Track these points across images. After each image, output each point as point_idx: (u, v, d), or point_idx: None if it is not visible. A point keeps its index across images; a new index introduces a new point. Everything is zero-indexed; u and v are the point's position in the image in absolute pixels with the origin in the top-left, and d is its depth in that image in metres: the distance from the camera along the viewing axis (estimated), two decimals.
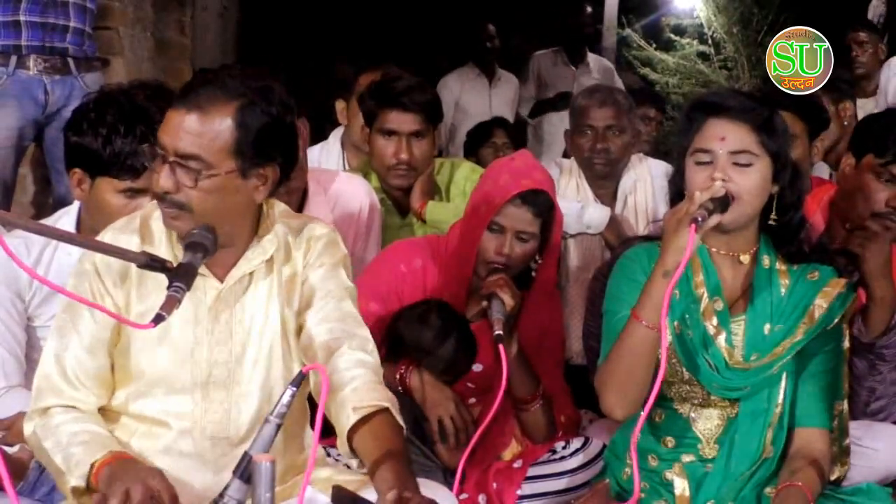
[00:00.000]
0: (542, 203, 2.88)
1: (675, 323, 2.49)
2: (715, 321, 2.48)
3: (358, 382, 2.15)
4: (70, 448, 2.10)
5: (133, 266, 2.18)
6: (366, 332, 2.27)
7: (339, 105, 4.16)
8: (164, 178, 2.10)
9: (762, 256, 2.51)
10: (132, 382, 2.23)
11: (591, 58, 7.08)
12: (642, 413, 2.33)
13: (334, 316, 2.24)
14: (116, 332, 2.22)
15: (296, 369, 2.27)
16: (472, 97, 6.67)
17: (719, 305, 2.49)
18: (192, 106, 2.10)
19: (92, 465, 2.06)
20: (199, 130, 2.09)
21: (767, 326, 2.48)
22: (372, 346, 2.26)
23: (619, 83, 7.03)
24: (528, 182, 2.87)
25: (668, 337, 2.45)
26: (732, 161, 2.40)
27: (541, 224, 2.89)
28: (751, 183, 2.41)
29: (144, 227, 2.23)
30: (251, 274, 2.24)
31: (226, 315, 2.23)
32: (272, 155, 2.17)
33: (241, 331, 2.24)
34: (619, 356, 2.42)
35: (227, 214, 2.15)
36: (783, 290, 2.50)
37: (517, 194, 2.85)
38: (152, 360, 2.21)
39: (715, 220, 2.33)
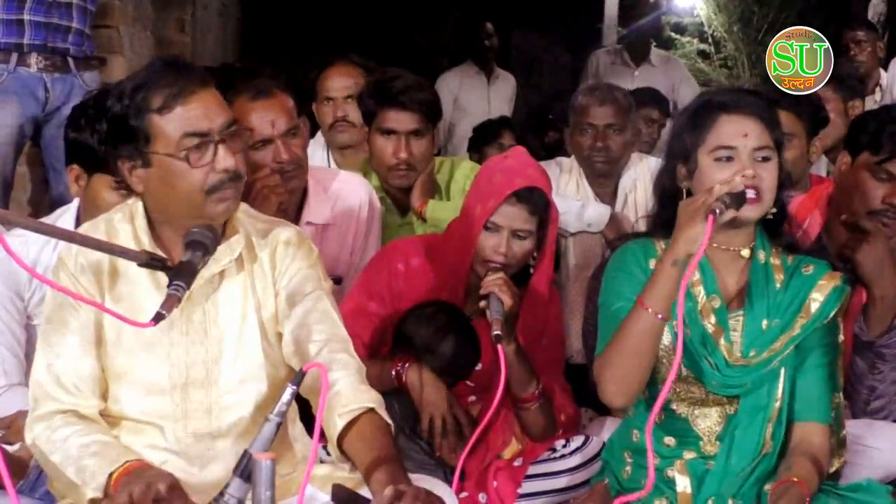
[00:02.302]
0: (537, 200, 2.88)
1: (674, 322, 2.49)
2: (713, 319, 2.49)
3: (341, 385, 2.17)
4: (82, 460, 2.10)
5: (105, 273, 2.21)
6: (345, 332, 2.29)
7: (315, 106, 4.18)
8: (230, 157, 2.16)
9: (758, 252, 2.52)
10: (111, 386, 2.24)
11: (658, 57, 6.75)
12: (654, 408, 2.33)
13: (313, 318, 2.26)
14: (98, 335, 2.22)
15: (279, 364, 2.28)
16: (470, 95, 6.64)
17: (717, 303, 2.50)
18: (204, 84, 2.17)
19: (110, 476, 2.06)
20: (219, 97, 2.20)
21: (765, 322, 2.48)
22: (352, 345, 2.28)
23: (692, 84, 6.79)
24: (521, 180, 2.86)
25: (677, 328, 2.46)
26: (755, 157, 2.42)
27: (537, 221, 2.89)
28: (772, 177, 2.44)
29: (110, 231, 2.24)
30: (221, 274, 2.25)
31: (198, 315, 2.24)
32: None
33: (216, 330, 2.25)
34: (622, 344, 2.42)
35: None
36: (778, 285, 2.51)
37: (512, 193, 2.86)
38: (129, 364, 2.22)
39: (730, 215, 2.34)
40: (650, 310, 2.38)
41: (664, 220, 2.53)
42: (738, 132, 2.42)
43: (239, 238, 2.25)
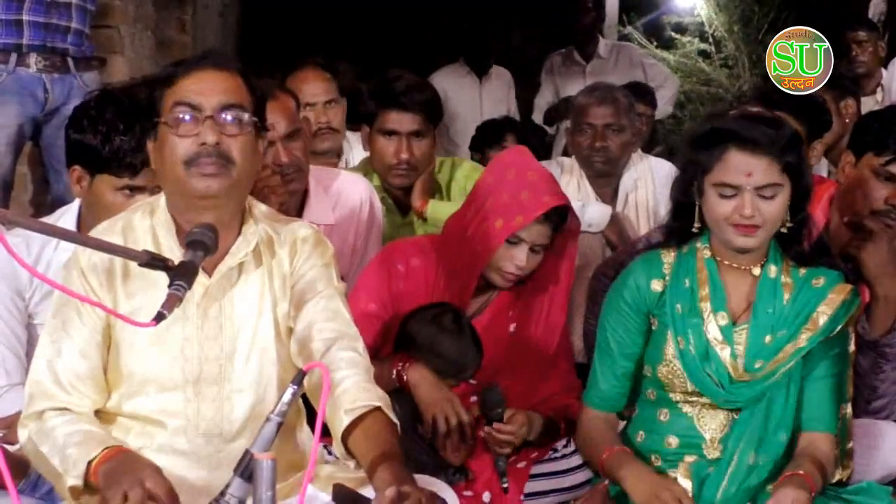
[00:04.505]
0: (560, 217, 2.92)
1: (679, 338, 2.51)
2: (719, 336, 2.50)
3: (348, 383, 2.16)
4: (66, 449, 2.09)
5: (118, 266, 2.20)
6: (355, 331, 2.28)
7: None
8: (210, 133, 2.15)
9: (769, 266, 2.53)
10: (123, 383, 2.23)
11: (607, 48, 6.70)
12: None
13: (323, 316, 2.25)
14: (107, 334, 2.22)
15: (290, 367, 2.27)
16: (460, 96, 6.48)
17: (723, 321, 2.51)
18: (218, 65, 2.20)
19: (89, 464, 2.05)
20: (234, 84, 2.20)
21: (769, 337, 2.49)
22: (362, 345, 2.27)
23: (655, 64, 6.80)
24: (550, 199, 2.88)
25: (681, 344, 2.52)
26: (759, 193, 2.43)
27: (552, 235, 2.92)
28: (776, 211, 2.45)
29: (128, 228, 2.24)
30: (239, 269, 2.25)
31: (214, 310, 2.23)
32: (264, 122, 2.30)
33: (231, 326, 2.24)
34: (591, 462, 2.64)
35: (249, 176, 2.23)
36: (786, 299, 2.52)
37: (546, 215, 2.87)
38: (142, 360, 2.21)
39: None
40: (605, 474, 2.56)
41: (677, 229, 2.58)
42: (743, 170, 2.42)
43: (255, 230, 2.25)
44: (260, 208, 2.32)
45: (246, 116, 2.17)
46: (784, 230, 2.50)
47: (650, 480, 2.45)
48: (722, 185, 2.44)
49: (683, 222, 2.55)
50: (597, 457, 2.59)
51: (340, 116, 4.02)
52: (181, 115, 2.16)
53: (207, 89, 2.17)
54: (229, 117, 2.16)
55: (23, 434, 2.19)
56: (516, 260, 2.88)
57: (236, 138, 2.16)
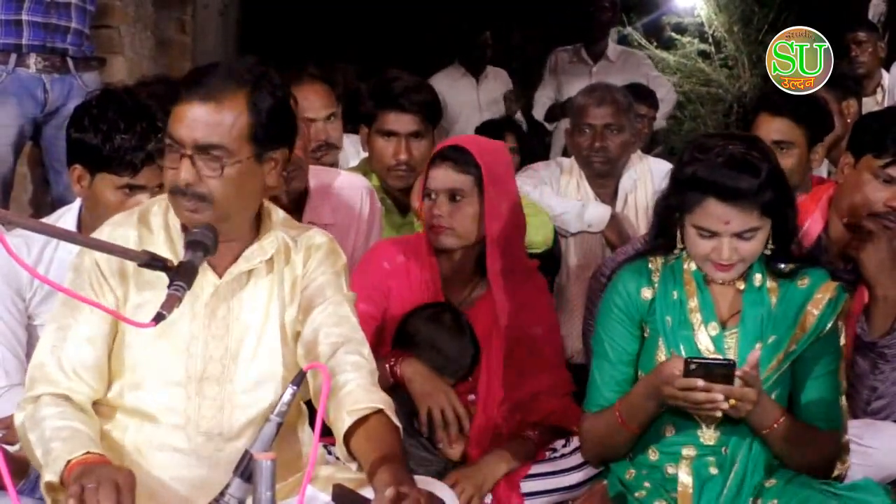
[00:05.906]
0: (463, 159, 2.92)
1: (671, 351, 2.51)
2: (711, 347, 2.52)
3: (352, 386, 2.17)
4: (51, 443, 2.09)
5: (131, 262, 2.19)
6: (361, 336, 2.29)
7: None
8: (185, 172, 2.12)
9: (754, 275, 2.54)
10: (126, 373, 2.23)
11: (616, 52, 6.72)
12: None
13: (331, 321, 2.26)
14: (115, 324, 2.23)
15: (295, 370, 2.27)
16: (459, 97, 6.51)
17: (714, 331, 2.53)
18: (206, 97, 2.13)
19: (68, 462, 2.05)
20: (217, 120, 2.13)
21: (759, 345, 2.49)
22: (367, 349, 2.28)
23: (660, 78, 6.83)
24: (448, 143, 2.98)
25: (663, 357, 2.52)
26: (737, 236, 2.45)
27: (473, 183, 2.92)
28: (754, 248, 2.47)
29: (143, 221, 2.25)
30: (249, 273, 2.25)
31: (222, 311, 2.24)
32: (282, 137, 2.23)
33: (238, 328, 2.25)
34: (604, 443, 2.61)
35: (243, 202, 2.19)
36: (773, 303, 2.53)
37: (437, 153, 2.95)
38: (147, 353, 2.22)
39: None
40: (631, 428, 2.53)
41: (661, 242, 2.60)
42: (721, 219, 2.43)
43: (272, 241, 2.26)
44: (278, 215, 2.32)
45: (224, 156, 2.12)
46: (767, 252, 2.51)
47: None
48: (700, 228, 2.46)
49: (666, 239, 2.56)
50: (612, 421, 2.56)
51: (340, 130, 3.97)
52: (167, 146, 2.16)
53: (191, 124, 2.13)
54: (206, 158, 2.13)
55: (18, 417, 2.19)
56: (434, 209, 2.91)
57: (213, 179, 2.13)
